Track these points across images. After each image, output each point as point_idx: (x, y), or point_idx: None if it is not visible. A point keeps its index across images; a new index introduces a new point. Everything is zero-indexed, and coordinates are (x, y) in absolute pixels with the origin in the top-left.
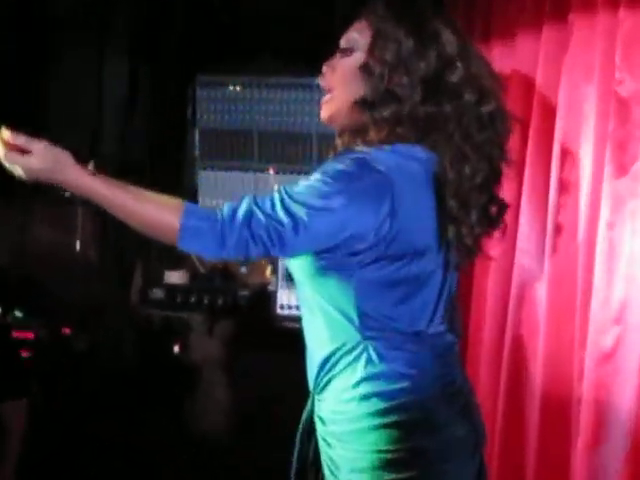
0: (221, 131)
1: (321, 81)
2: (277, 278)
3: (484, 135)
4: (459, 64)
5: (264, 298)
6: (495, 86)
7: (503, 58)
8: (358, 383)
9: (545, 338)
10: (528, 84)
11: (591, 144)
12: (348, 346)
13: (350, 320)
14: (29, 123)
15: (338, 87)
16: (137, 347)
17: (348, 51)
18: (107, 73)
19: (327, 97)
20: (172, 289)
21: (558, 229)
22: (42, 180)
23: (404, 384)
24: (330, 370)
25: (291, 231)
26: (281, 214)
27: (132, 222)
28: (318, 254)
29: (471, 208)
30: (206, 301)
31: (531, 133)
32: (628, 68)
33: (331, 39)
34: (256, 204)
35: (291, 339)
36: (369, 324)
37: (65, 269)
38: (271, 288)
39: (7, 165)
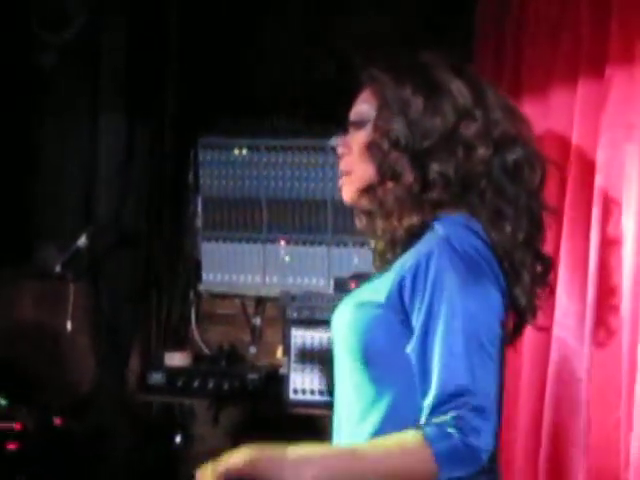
0: (226, 198)
1: (340, 165)
2: (289, 359)
3: (516, 186)
4: (477, 112)
5: (275, 382)
6: (521, 129)
7: (535, 116)
8: None
9: (588, 422)
10: (563, 144)
11: (635, 207)
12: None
13: (407, 414)
14: (17, 188)
15: (356, 168)
16: (134, 438)
17: (359, 124)
18: (101, 134)
19: (344, 179)
20: (173, 372)
21: (600, 300)
22: None
23: None
24: None
25: None
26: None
27: None
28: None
29: (520, 269)
30: (211, 386)
31: (567, 197)
32: None
33: (347, 98)
34: None
35: (307, 427)
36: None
37: (55, 351)
38: (283, 371)
39: None
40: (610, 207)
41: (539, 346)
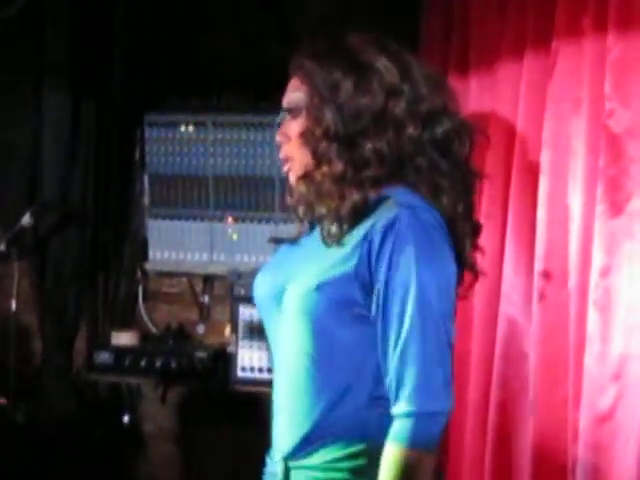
0: (173, 176)
1: (280, 153)
2: (237, 337)
3: (448, 159)
4: (404, 88)
5: (223, 360)
6: (447, 101)
7: (482, 90)
8: (358, 454)
9: (535, 398)
10: (509, 118)
11: (581, 182)
12: (351, 408)
13: (362, 379)
14: None
15: (295, 155)
16: (81, 418)
17: (293, 112)
18: (46, 111)
19: (286, 167)
20: (120, 352)
21: (546, 274)
22: None
23: None
24: (323, 435)
25: None
26: None
27: None
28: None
29: (463, 237)
30: (158, 364)
31: (514, 172)
32: (619, 98)
33: None
34: None
35: (254, 405)
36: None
37: None
38: (231, 349)
39: None
40: (556, 181)
41: (486, 323)
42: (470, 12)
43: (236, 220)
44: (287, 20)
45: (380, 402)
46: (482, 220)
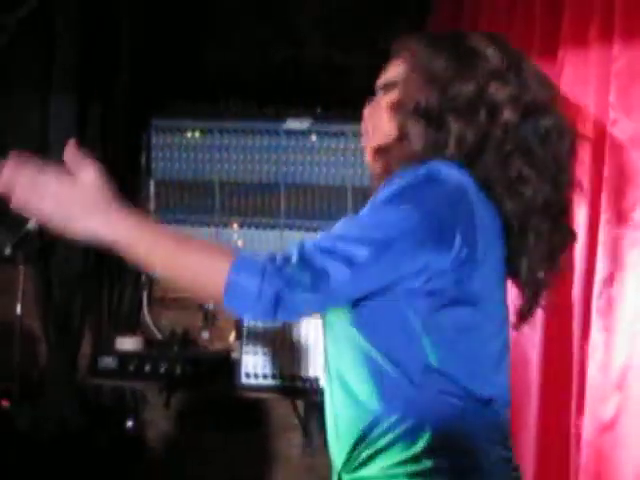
0: (178, 182)
1: (363, 125)
2: (241, 343)
3: (545, 150)
4: (510, 77)
5: (227, 366)
6: (554, 99)
7: None
8: (418, 456)
9: (538, 405)
10: None
11: (586, 190)
12: (404, 410)
13: (410, 378)
14: None
15: (380, 125)
16: (85, 423)
17: (388, 87)
18: (52, 116)
19: (364, 139)
20: (124, 357)
21: (550, 284)
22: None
23: (472, 459)
24: (376, 441)
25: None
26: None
27: (172, 273)
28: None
29: (531, 236)
30: (163, 370)
31: None
32: (624, 107)
33: (299, 81)
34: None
35: (258, 411)
36: (434, 384)
37: (3, 335)
38: (235, 355)
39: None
40: None
41: None
42: (478, 21)
43: (241, 226)
44: (292, 25)
45: (436, 380)
46: None
